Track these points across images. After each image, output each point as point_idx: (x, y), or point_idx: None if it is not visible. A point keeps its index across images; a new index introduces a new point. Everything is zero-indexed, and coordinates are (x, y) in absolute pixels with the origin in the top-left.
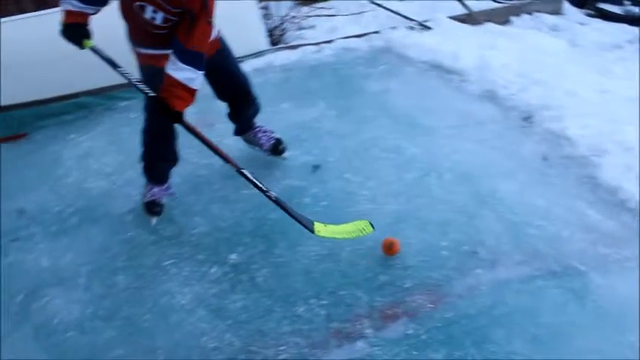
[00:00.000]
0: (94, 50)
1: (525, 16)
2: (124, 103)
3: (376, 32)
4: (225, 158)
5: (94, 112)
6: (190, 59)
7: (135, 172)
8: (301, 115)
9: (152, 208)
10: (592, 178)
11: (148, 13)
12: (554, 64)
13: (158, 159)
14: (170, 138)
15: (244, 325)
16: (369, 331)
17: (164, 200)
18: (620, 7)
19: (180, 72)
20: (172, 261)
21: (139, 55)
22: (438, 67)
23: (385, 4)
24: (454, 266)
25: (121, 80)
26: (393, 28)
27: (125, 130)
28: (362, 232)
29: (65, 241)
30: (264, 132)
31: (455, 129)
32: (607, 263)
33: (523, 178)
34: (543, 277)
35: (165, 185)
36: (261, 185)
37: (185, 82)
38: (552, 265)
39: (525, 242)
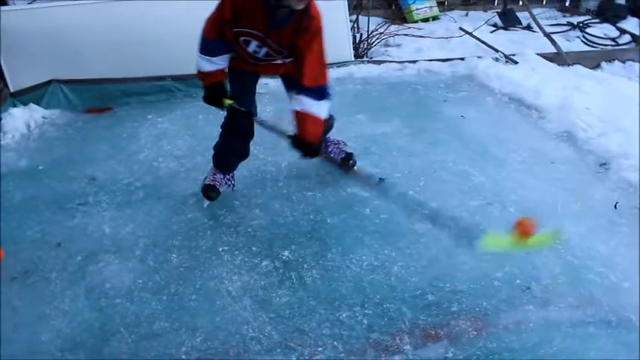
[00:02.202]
0: (232, 106)
1: (617, 63)
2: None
3: (461, 59)
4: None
5: (175, 96)
6: (319, 94)
7: (204, 158)
8: (374, 129)
9: (209, 191)
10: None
11: (252, 47)
12: None
13: (231, 152)
14: (248, 138)
15: (286, 321)
16: (407, 348)
17: (223, 188)
18: None
19: (311, 108)
20: (227, 248)
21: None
22: (518, 101)
23: (475, 32)
24: (504, 298)
25: None
26: (479, 57)
27: (201, 118)
28: (545, 244)
29: (128, 212)
30: (336, 144)
31: (526, 164)
32: None
33: (590, 223)
34: (596, 325)
35: (229, 175)
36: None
37: (319, 116)
38: (607, 315)
39: (582, 286)
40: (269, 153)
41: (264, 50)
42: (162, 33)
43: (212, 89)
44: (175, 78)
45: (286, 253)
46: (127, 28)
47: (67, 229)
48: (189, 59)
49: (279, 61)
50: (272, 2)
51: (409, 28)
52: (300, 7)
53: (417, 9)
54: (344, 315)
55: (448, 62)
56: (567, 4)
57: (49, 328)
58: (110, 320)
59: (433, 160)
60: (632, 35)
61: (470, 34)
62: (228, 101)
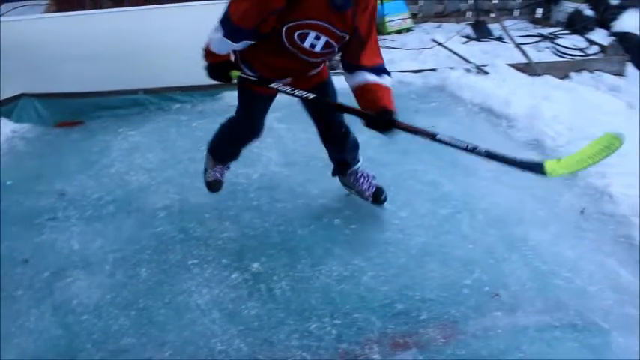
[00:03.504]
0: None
1: (586, 73)
2: (177, 105)
3: (433, 70)
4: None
5: (147, 109)
6: (382, 71)
7: (175, 171)
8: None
9: (214, 186)
10: (628, 238)
11: (308, 40)
12: (607, 122)
13: (234, 145)
14: (258, 137)
15: (254, 333)
16: (376, 357)
17: (224, 178)
18: None
19: (378, 79)
20: (196, 261)
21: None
22: (488, 111)
23: (447, 44)
24: (473, 305)
25: (177, 83)
26: (451, 68)
27: (173, 131)
28: (609, 150)
29: (98, 227)
30: (366, 177)
31: (495, 172)
32: (633, 324)
33: (557, 229)
34: (562, 329)
35: (227, 165)
36: (464, 145)
37: (389, 85)
38: (573, 318)
39: (549, 291)
40: (240, 164)
41: (322, 41)
42: (135, 46)
43: (219, 65)
44: (148, 91)
45: (256, 264)
46: (99, 41)
47: (35, 245)
48: (162, 72)
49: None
50: None
51: (382, 39)
52: None
53: (390, 21)
54: (313, 326)
55: (420, 73)
56: (538, 15)
57: (14, 346)
58: (77, 337)
59: (403, 170)
60: (600, 46)
61: (442, 45)
62: (236, 73)
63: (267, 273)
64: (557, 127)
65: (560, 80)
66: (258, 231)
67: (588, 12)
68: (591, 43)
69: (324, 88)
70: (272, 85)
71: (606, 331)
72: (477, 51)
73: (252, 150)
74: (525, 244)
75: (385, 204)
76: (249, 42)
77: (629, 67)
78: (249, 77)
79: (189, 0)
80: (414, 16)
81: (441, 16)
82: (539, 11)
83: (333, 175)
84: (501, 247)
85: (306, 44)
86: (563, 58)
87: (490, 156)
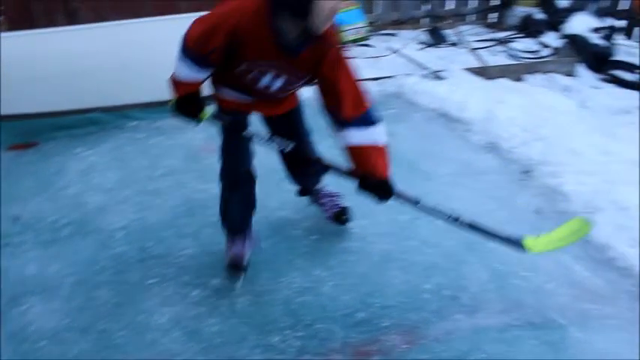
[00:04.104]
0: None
1: (539, 75)
2: (133, 123)
3: (390, 77)
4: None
5: (103, 128)
6: (366, 121)
7: (134, 190)
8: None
9: (237, 265)
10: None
11: (264, 81)
12: (561, 122)
13: (240, 206)
14: (252, 180)
15: (217, 350)
16: None
17: (249, 253)
18: (634, 75)
19: (366, 137)
20: (156, 280)
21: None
22: (444, 116)
23: (404, 51)
24: (434, 309)
25: (134, 100)
26: (408, 74)
27: (131, 149)
28: (580, 235)
29: (54, 250)
30: (330, 197)
31: (453, 176)
32: (587, 319)
33: (514, 229)
34: (522, 328)
35: (248, 236)
36: (447, 214)
37: (378, 143)
38: (532, 317)
39: (508, 292)
40: (199, 180)
41: (281, 81)
42: (89, 64)
43: (188, 99)
44: (104, 110)
45: (217, 280)
46: (53, 60)
47: None
48: (118, 90)
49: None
50: (286, 28)
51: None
52: (322, 31)
53: (347, 30)
54: (275, 339)
55: (377, 81)
56: (492, 20)
57: None
58: None
59: None
60: (553, 48)
61: (399, 52)
62: (207, 112)
63: (228, 288)
64: (512, 129)
65: (515, 83)
66: (219, 247)
67: (540, 16)
68: (544, 45)
69: (292, 117)
70: (248, 132)
71: (564, 327)
72: (433, 57)
73: (211, 166)
74: (484, 246)
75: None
76: (211, 68)
77: (580, 68)
78: (221, 117)
79: (144, 16)
80: (370, 24)
81: (397, 24)
82: (493, 16)
83: (298, 195)
84: (461, 251)
85: (261, 85)
86: (517, 61)
87: (472, 227)
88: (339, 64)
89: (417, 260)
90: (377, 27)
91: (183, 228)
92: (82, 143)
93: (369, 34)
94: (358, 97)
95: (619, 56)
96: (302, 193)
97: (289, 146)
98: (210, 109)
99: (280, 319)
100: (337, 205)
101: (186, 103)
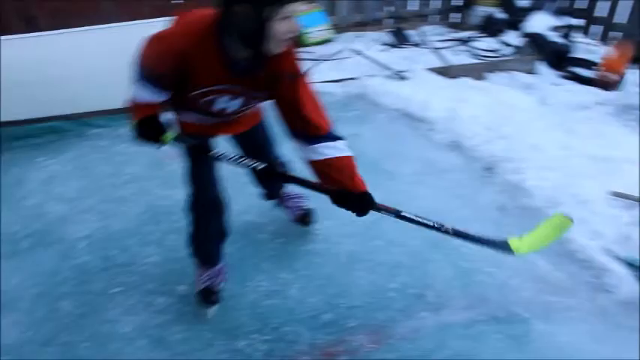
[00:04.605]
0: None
1: (501, 74)
2: (95, 131)
3: (353, 79)
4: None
5: (64, 137)
6: (331, 137)
7: (96, 199)
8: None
9: (209, 296)
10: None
11: (220, 104)
12: (522, 119)
13: (211, 235)
14: (221, 206)
15: (182, 357)
16: None
17: (222, 284)
18: (592, 71)
19: (336, 151)
20: (120, 289)
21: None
22: (408, 116)
23: (367, 52)
24: (400, 308)
25: (95, 107)
26: (371, 75)
27: (93, 157)
28: (562, 231)
29: (15, 263)
30: (294, 199)
31: (417, 175)
32: (550, 312)
33: (478, 226)
34: (486, 323)
35: (220, 266)
36: (430, 223)
37: (349, 154)
38: (497, 312)
39: (473, 288)
40: (163, 187)
41: (237, 103)
42: (49, 72)
43: (148, 122)
44: (66, 118)
45: (182, 287)
46: (10, 68)
47: None
48: (78, 98)
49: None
50: (237, 53)
51: (302, 52)
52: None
53: (310, 32)
54: (242, 343)
55: (341, 82)
56: (454, 20)
57: None
58: None
59: None
60: (514, 47)
61: (361, 53)
62: (170, 135)
63: (194, 295)
64: (474, 127)
65: (477, 81)
66: (183, 253)
67: (500, 15)
68: (505, 44)
69: (257, 133)
70: (214, 153)
71: (527, 321)
72: (396, 58)
73: (175, 172)
74: (449, 244)
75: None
76: (169, 89)
77: (540, 66)
78: (184, 140)
79: (103, 23)
80: (333, 26)
81: (360, 26)
82: (456, 16)
83: (264, 199)
84: (426, 249)
85: (216, 108)
86: (479, 60)
87: (457, 234)
88: (298, 83)
89: (382, 260)
90: (340, 29)
91: (148, 235)
92: (43, 152)
93: (332, 36)
94: (321, 113)
95: (577, 54)
96: (267, 197)
97: (259, 166)
98: (172, 131)
99: (247, 324)
100: (301, 207)
101: (146, 127)
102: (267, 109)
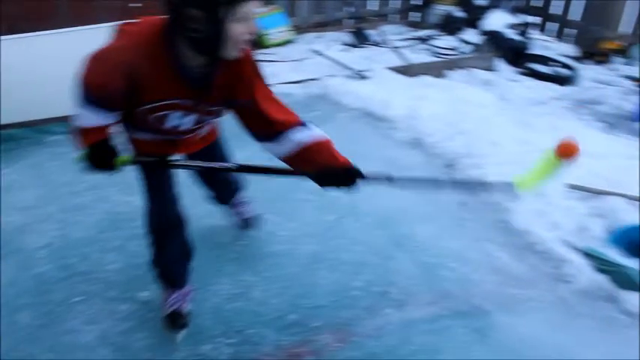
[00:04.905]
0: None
1: (460, 71)
2: (53, 138)
3: (314, 79)
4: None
5: (21, 145)
6: (302, 124)
7: (55, 207)
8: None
9: (176, 320)
10: (504, 222)
11: (172, 120)
12: (481, 115)
13: (175, 256)
14: (182, 224)
15: None
16: None
17: (188, 307)
18: (549, 67)
19: (317, 131)
20: (81, 298)
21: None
22: (369, 115)
23: (327, 53)
24: (365, 306)
25: (52, 114)
26: (332, 76)
27: (51, 165)
28: (556, 164)
29: None
30: (241, 205)
31: None
32: (512, 303)
33: (440, 222)
34: (450, 317)
35: (187, 288)
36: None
37: (325, 135)
38: (460, 306)
39: (436, 283)
40: (122, 193)
41: (190, 119)
42: (3, 80)
43: (98, 148)
44: (22, 125)
45: (145, 293)
46: None
47: None
48: (36, 104)
49: (204, 129)
50: (189, 60)
51: (262, 53)
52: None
53: (270, 34)
54: (207, 348)
55: (302, 83)
56: (414, 19)
57: None
58: None
59: (289, 182)
60: (472, 44)
61: (321, 54)
62: (123, 158)
63: (157, 300)
64: (435, 124)
65: (437, 79)
66: (145, 259)
67: (459, 14)
68: (464, 42)
69: (211, 152)
70: (173, 161)
71: (490, 313)
72: (357, 57)
73: (134, 178)
74: (412, 240)
75: (273, 216)
76: (117, 110)
77: (498, 62)
78: (139, 160)
79: (58, 27)
80: (293, 27)
81: (320, 26)
82: (415, 15)
83: (214, 203)
84: (389, 247)
85: (168, 125)
86: (439, 58)
87: (459, 184)
88: (257, 86)
89: (345, 259)
90: (300, 30)
91: (108, 242)
92: None
93: (293, 37)
94: (285, 110)
95: (534, 50)
96: (217, 201)
97: (225, 166)
98: (126, 154)
99: (211, 328)
100: (245, 214)
101: (97, 153)
102: (223, 128)
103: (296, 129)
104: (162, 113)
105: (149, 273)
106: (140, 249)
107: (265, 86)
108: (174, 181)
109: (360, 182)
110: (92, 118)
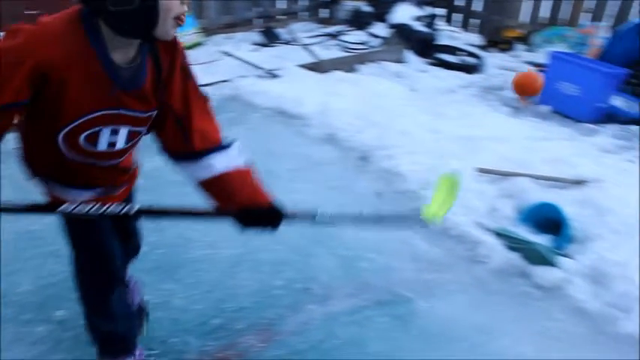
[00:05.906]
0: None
1: (371, 65)
2: None
3: (225, 81)
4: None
5: None
6: (226, 140)
7: None
8: (145, 164)
9: None
10: (420, 210)
11: (104, 139)
12: (392, 107)
13: (123, 322)
14: (123, 278)
15: None
16: None
17: None
18: (456, 57)
19: (237, 158)
20: None
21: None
22: (282, 113)
23: (238, 53)
24: (287, 304)
25: None
26: (243, 76)
27: None
28: (456, 187)
29: None
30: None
31: (295, 172)
32: (431, 288)
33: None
34: (371, 307)
35: (138, 352)
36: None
37: (248, 165)
38: (380, 295)
39: (356, 275)
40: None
41: (124, 133)
42: None
43: None
44: None
45: (60, 312)
46: None
47: None
48: None
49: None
50: (117, 47)
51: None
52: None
53: (179, 37)
54: None
55: (213, 85)
56: (323, 16)
57: None
58: None
59: None
60: (381, 38)
61: (231, 54)
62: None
63: (73, 318)
64: (347, 118)
65: (348, 74)
66: (59, 276)
67: (367, 8)
68: (373, 36)
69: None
70: (64, 208)
71: (411, 300)
72: (267, 56)
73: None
74: (329, 236)
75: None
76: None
77: (408, 54)
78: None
79: None
80: (202, 29)
81: (229, 27)
82: (324, 12)
83: None
84: (308, 244)
85: (102, 146)
86: (349, 52)
87: (376, 220)
88: (190, 85)
89: (266, 259)
90: (209, 31)
91: (19, 263)
92: None
93: (202, 39)
94: (212, 120)
95: (441, 41)
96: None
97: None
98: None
99: None
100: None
101: None
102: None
103: (217, 152)
104: (93, 130)
105: (63, 291)
106: (53, 267)
107: (198, 91)
108: (109, 227)
109: (283, 222)
110: None
